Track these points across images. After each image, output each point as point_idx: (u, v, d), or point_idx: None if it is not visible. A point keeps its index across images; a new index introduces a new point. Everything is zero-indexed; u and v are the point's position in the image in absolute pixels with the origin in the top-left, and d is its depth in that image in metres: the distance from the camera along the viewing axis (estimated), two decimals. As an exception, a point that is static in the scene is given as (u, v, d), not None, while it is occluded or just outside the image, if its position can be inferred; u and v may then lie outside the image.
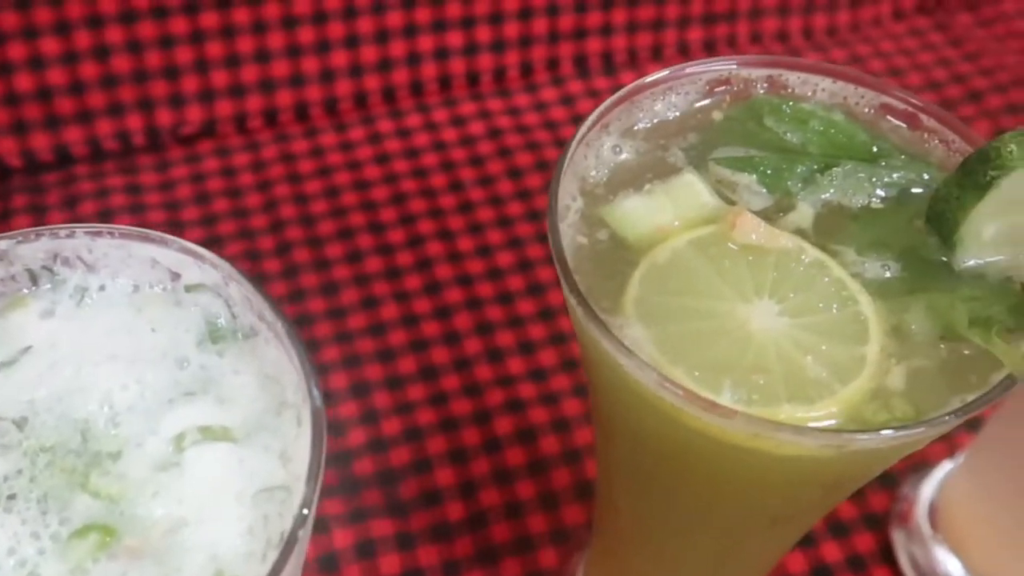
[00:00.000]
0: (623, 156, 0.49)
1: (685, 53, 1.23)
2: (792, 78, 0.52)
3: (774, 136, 0.50)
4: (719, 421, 0.40)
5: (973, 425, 0.86)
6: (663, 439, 0.45)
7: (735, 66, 0.51)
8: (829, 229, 0.47)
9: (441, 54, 1.15)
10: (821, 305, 0.44)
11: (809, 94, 0.52)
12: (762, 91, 0.52)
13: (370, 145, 1.12)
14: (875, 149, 0.49)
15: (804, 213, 0.47)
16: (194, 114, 1.10)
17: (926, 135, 0.50)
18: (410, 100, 1.16)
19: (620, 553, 0.63)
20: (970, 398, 0.41)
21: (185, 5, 1.06)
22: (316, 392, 0.38)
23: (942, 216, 0.45)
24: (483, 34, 1.16)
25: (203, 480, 0.38)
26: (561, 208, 0.46)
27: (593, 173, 0.49)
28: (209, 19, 1.08)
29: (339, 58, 1.12)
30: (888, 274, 0.45)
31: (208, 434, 0.39)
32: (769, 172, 0.48)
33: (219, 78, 1.10)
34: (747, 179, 0.48)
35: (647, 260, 0.46)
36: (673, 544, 0.58)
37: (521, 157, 1.11)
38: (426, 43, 1.14)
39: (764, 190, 0.48)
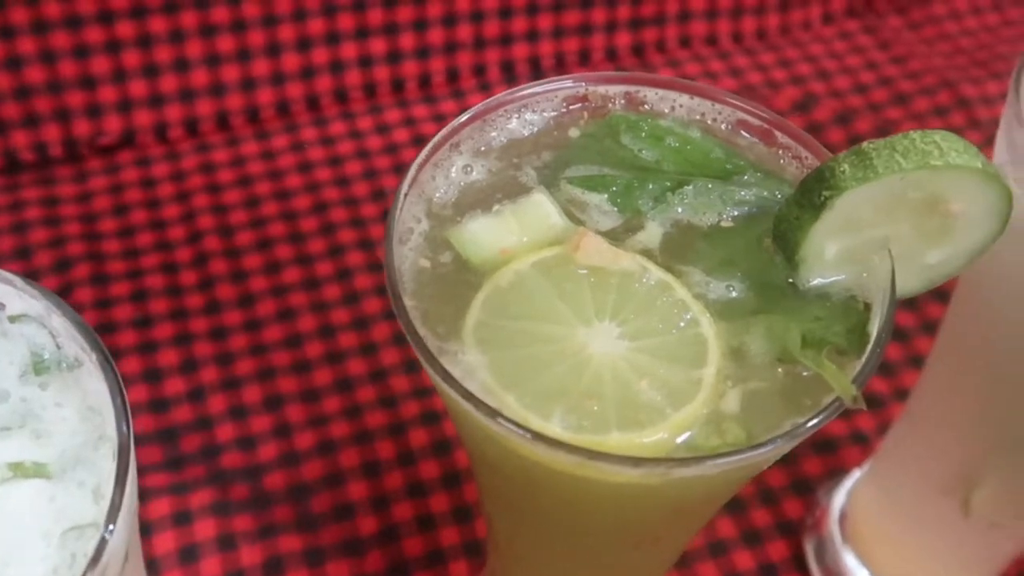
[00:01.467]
0: (474, 176, 0.49)
1: (613, 58, 1.22)
2: (650, 94, 0.51)
3: (629, 154, 0.49)
4: (543, 451, 0.39)
5: (884, 431, 0.86)
6: (504, 465, 0.44)
7: (592, 83, 0.51)
8: (677, 249, 0.46)
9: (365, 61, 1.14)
10: (661, 327, 0.44)
11: (667, 110, 0.51)
12: (620, 107, 0.51)
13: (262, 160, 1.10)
14: (729, 166, 0.49)
15: (652, 233, 0.47)
16: (112, 124, 1.09)
17: (780, 151, 0.50)
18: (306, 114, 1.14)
19: (508, 571, 0.62)
20: (800, 421, 0.40)
21: (100, 15, 1.05)
22: (126, 427, 0.37)
23: (785, 236, 0.45)
24: (436, 37, 1.15)
25: (8, 520, 0.37)
26: (403, 231, 0.46)
27: (441, 194, 0.48)
28: (125, 29, 1.06)
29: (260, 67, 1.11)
30: (733, 294, 0.45)
31: (19, 471, 0.38)
32: (620, 191, 0.48)
33: (137, 88, 1.09)
34: (597, 198, 0.48)
35: (490, 283, 0.45)
36: (552, 564, 0.57)
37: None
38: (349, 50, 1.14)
39: (614, 209, 0.48)
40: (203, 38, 1.08)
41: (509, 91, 0.50)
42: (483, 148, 0.50)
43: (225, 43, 1.09)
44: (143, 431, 0.89)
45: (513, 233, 0.46)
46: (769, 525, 0.88)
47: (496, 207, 0.47)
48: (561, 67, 1.21)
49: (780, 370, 0.43)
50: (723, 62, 1.24)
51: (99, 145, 1.09)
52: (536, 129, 0.51)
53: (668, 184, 0.48)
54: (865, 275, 0.45)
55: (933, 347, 0.66)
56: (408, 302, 0.43)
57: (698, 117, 0.51)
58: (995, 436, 0.62)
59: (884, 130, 1.16)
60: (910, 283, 0.46)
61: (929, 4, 1.32)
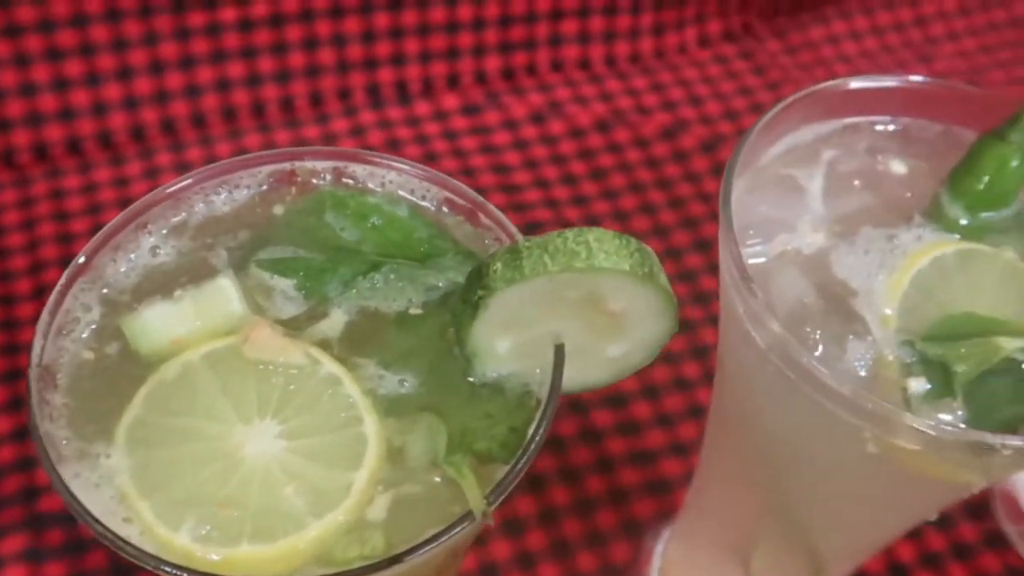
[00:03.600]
0: (161, 258, 0.47)
1: (483, 81, 1.21)
2: (359, 170, 0.50)
3: (331, 233, 0.48)
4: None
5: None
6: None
7: (299, 158, 0.49)
8: (359, 339, 0.45)
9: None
10: (323, 426, 0.42)
11: (379, 187, 0.50)
12: (328, 183, 0.50)
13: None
14: (429, 248, 0.47)
15: (336, 321, 0.45)
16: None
17: (484, 232, 0.49)
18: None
19: None
20: (437, 532, 0.39)
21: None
22: None
23: (457, 330, 0.43)
24: (296, 60, 1.12)
25: None
26: (68, 321, 0.44)
27: (120, 279, 0.46)
28: None
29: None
30: (404, 389, 0.44)
31: None
32: (309, 275, 0.46)
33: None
34: (285, 283, 0.46)
35: (156, 376, 0.43)
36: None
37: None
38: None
39: (300, 295, 0.46)
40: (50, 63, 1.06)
41: (208, 167, 0.48)
42: (176, 227, 0.48)
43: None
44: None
45: (188, 321, 0.45)
46: (594, 569, 0.87)
47: (178, 292, 0.46)
48: (429, 92, 1.19)
49: (435, 474, 0.41)
50: (595, 86, 1.23)
51: None
52: (238, 206, 0.49)
53: (362, 267, 0.46)
54: (538, 371, 0.43)
55: (708, 412, 0.66)
56: (58, 399, 0.42)
57: (409, 194, 0.50)
58: (766, 502, 0.61)
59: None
60: (597, 374, 0.45)
61: (807, 29, 1.31)
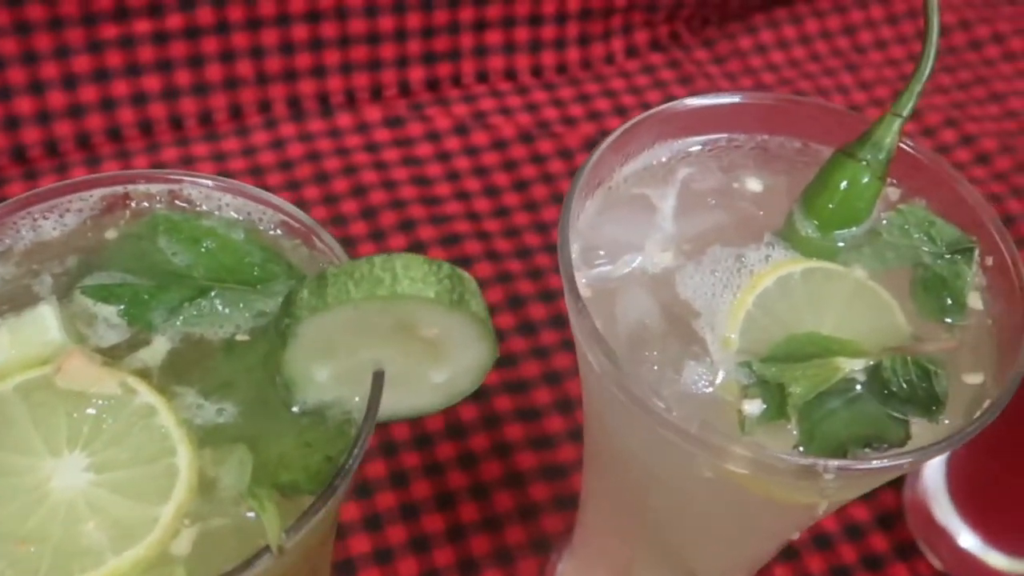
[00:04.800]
0: (-17, 285, 0.46)
1: (407, 93, 1.20)
2: (195, 193, 0.49)
3: (163, 258, 0.47)
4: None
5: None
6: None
7: (133, 181, 0.48)
8: (180, 367, 0.44)
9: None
10: (133, 459, 0.41)
11: (215, 211, 0.49)
12: (164, 206, 0.49)
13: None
14: (260, 273, 0.46)
15: (158, 349, 0.44)
16: None
17: (319, 255, 0.48)
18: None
19: None
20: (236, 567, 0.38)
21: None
22: None
23: (274, 357, 0.43)
24: (215, 73, 1.11)
25: None
26: None
27: (-63, 308, 0.45)
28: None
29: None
30: (222, 419, 0.43)
31: None
32: (133, 302, 0.45)
33: None
34: (108, 311, 0.45)
35: (-34, 408, 0.42)
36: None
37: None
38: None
39: (123, 323, 0.45)
40: None
41: (35, 191, 0.47)
42: (5, 251, 0.47)
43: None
44: None
45: (3, 351, 0.43)
46: (501, 587, 0.87)
47: (-3, 321, 0.45)
48: (352, 104, 1.18)
49: (245, 506, 0.40)
50: (520, 97, 1.22)
51: None
52: (68, 230, 0.48)
53: (190, 293, 0.45)
54: (358, 398, 0.43)
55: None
56: None
57: (246, 216, 0.49)
58: (636, 523, 0.61)
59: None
60: (426, 400, 0.44)
61: (736, 39, 1.31)
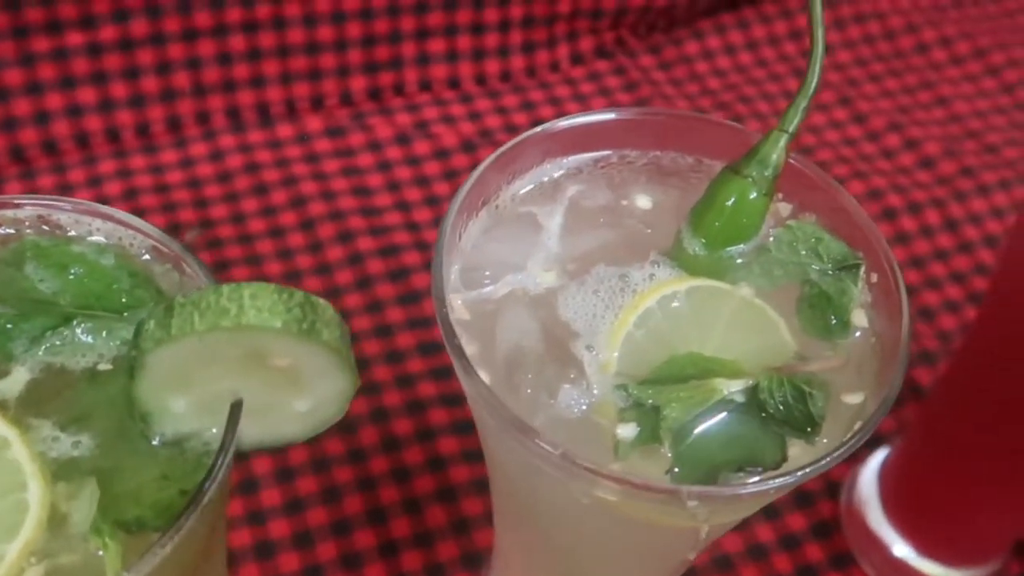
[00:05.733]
0: None
1: (348, 103, 1.19)
2: (64, 218, 0.48)
3: (29, 285, 0.46)
4: None
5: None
6: None
7: (2, 208, 0.47)
8: (38, 398, 0.43)
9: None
10: (-16, 494, 0.41)
11: (86, 235, 0.48)
12: (33, 232, 0.48)
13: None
14: (126, 299, 0.46)
15: (17, 380, 0.43)
16: None
17: (189, 280, 0.47)
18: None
19: None
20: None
21: None
22: None
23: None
24: (150, 85, 1.10)
25: None
26: None
27: None
28: None
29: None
30: (78, 451, 0.42)
31: None
32: (-7, 332, 0.44)
33: None
34: (-32, 341, 0.44)
35: None
36: None
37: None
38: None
39: (-14, 352, 0.44)
40: None
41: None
42: None
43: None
44: None
45: None
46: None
47: None
48: (292, 114, 1.17)
49: (95, 543, 0.40)
50: (464, 106, 1.21)
51: None
52: (-68, 258, 0.47)
53: (54, 321, 0.44)
54: (216, 430, 0.42)
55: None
56: None
57: (117, 242, 0.48)
58: (537, 543, 0.60)
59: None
60: (291, 429, 0.44)
61: (682, 44, 1.30)
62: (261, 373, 0.41)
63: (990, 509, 0.79)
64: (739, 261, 0.52)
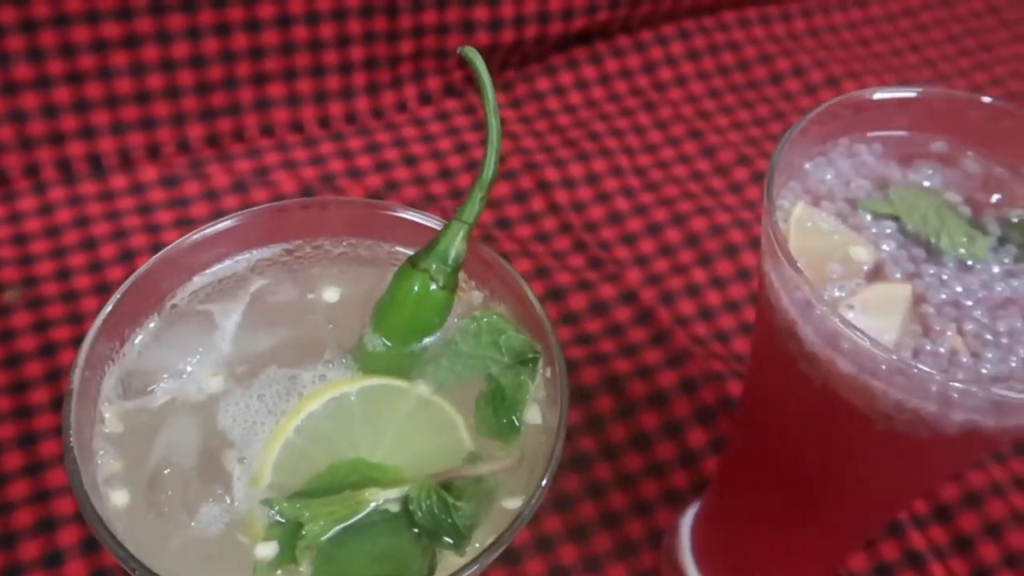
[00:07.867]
0: None
1: (186, 150, 1.17)
2: None
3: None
4: None
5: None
6: None
7: None
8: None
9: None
10: None
11: None
12: None
13: None
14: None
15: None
16: None
17: None
18: None
19: None
20: None
21: None
22: None
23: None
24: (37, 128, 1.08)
25: None
26: None
27: None
28: None
29: None
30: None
31: None
32: None
33: None
34: None
35: None
36: None
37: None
38: None
39: None
40: None
41: None
42: None
43: None
44: None
45: None
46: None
47: None
48: (127, 163, 1.14)
49: None
50: (308, 150, 1.19)
51: None
52: None
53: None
54: None
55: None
56: None
57: None
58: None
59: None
60: None
61: (534, 81, 1.29)
62: None
63: (781, 560, 0.78)
64: (426, 356, 0.50)
